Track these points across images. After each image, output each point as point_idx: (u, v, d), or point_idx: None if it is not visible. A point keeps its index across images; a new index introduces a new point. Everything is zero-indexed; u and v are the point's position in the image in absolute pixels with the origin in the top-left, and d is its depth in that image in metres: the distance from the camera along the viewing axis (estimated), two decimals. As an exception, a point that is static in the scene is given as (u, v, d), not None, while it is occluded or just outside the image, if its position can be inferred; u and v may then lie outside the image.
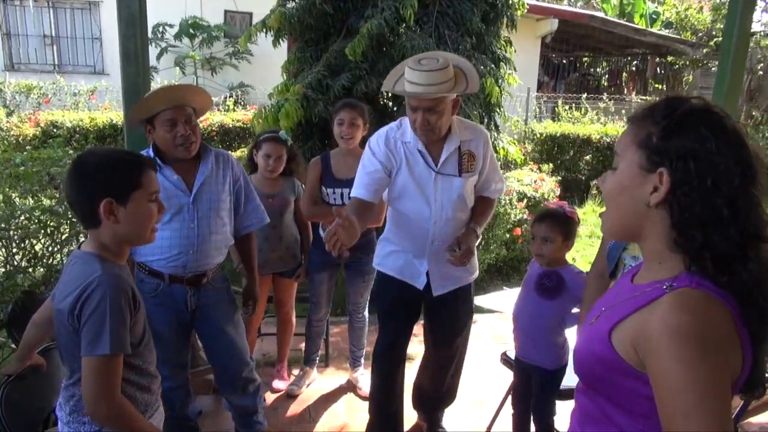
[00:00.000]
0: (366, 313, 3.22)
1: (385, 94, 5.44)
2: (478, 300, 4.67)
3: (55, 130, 7.18)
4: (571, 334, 2.40)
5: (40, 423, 1.85)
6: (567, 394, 2.50)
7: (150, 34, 9.34)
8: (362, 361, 3.29)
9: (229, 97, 8.92)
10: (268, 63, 9.50)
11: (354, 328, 3.24)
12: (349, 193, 2.75)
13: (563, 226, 2.31)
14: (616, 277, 2.02)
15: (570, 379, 2.46)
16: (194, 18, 10.02)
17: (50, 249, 2.63)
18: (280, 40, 5.70)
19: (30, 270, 2.57)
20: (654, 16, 15.93)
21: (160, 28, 9.76)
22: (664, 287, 0.94)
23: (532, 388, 2.47)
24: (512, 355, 2.67)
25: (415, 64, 2.14)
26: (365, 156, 2.38)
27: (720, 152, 0.91)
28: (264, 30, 5.58)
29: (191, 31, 9.98)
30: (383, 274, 2.56)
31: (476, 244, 2.37)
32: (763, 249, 0.93)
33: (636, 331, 0.94)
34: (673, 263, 0.96)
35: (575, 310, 2.41)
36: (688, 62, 13.82)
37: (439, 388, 2.76)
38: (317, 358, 3.32)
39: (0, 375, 1.76)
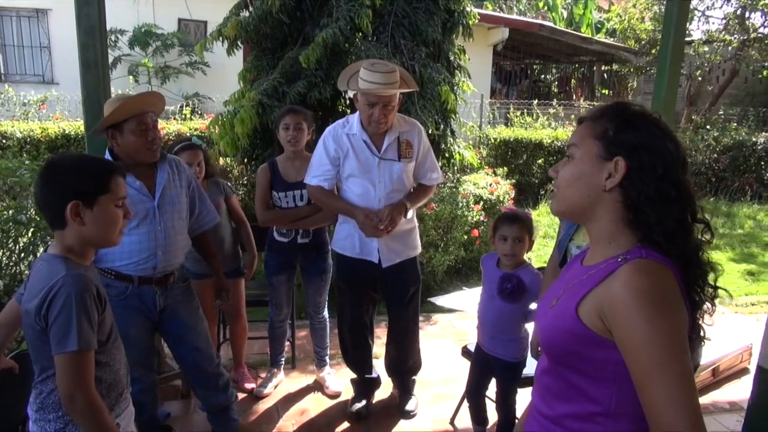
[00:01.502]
0: (326, 313, 3.30)
1: (344, 101, 5.55)
2: (439, 300, 4.82)
3: (4, 141, 6.98)
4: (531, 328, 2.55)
5: (17, 426, 1.87)
6: (528, 382, 2.65)
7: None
8: (327, 360, 3.36)
9: (186, 106, 8.84)
10: (224, 72, 9.46)
11: (315, 329, 3.31)
12: (301, 195, 3.01)
13: (530, 226, 2.49)
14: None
15: (531, 368, 2.61)
16: (147, 25, 9.90)
17: (12, 259, 2.62)
18: (234, 49, 5.74)
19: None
20: (599, 26, 16.58)
21: (113, 36, 9.61)
22: (619, 260, 1.07)
23: (492, 377, 2.61)
24: (472, 348, 2.80)
25: (370, 66, 2.56)
26: (318, 150, 2.78)
27: (666, 145, 1.08)
28: (220, 39, 5.61)
29: (145, 38, 9.85)
30: (341, 255, 2.87)
31: (402, 215, 2.74)
32: (696, 226, 1.11)
33: (600, 301, 1.07)
34: (624, 240, 1.11)
35: (533, 305, 2.56)
36: (632, 69, 14.41)
37: (404, 358, 3.04)
38: (283, 360, 3.38)
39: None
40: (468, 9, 5.65)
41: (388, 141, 2.70)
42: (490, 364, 2.58)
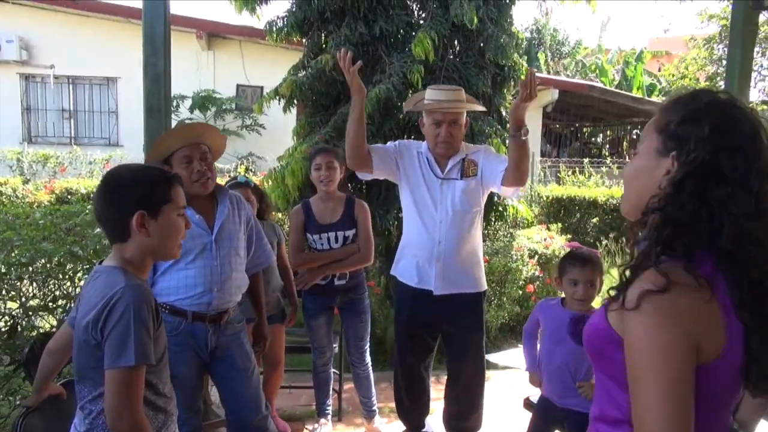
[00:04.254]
0: (369, 359, 3.17)
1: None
2: (494, 357, 4.61)
3: (69, 197, 7.32)
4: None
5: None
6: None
7: (165, 107, 9.69)
8: (376, 410, 3.20)
9: (240, 165, 9.13)
10: (276, 133, 9.82)
11: (359, 378, 3.16)
12: (336, 237, 2.96)
13: (601, 268, 2.34)
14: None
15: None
16: (207, 91, 10.41)
17: (68, 292, 2.64)
18: (291, 107, 5.92)
19: (46, 315, 2.57)
20: (650, 88, 16.47)
21: (175, 102, 10.12)
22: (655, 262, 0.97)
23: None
24: (535, 399, 2.61)
25: (436, 87, 2.60)
26: (395, 144, 2.79)
27: (741, 144, 0.95)
28: (276, 98, 5.80)
29: (205, 104, 10.34)
30: (399, 284, 2.80)
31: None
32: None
33: (625, 300, 0.98)
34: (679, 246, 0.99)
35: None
36: (687, 129, 14.11)
37: (465, 415, 2.81)
38: (330, 410, 3.23)
39: (19, 407, 1.72)
40: (519, 63, 5.66)
41: (453, 162, 2.67)
42: (559, 418, 2.36)
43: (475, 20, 5.02)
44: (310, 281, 2.99)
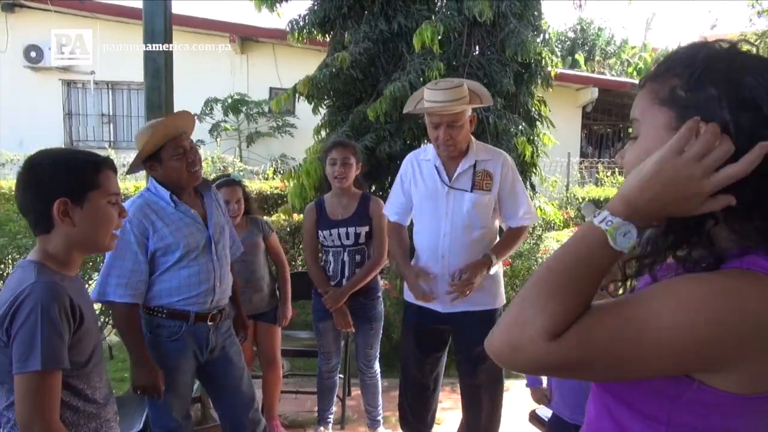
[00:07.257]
0: (377, 367, 3.02)
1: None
2: (514, 365, 4.37)
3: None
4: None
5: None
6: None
7: (200, 110, 9.80)
8: (381, 420, 3.05)
9: (270, 167, 9.15)
10: (309, 135, 9.78)
11: (367, 385, 3.02)
12: (347, 233, 2.83)
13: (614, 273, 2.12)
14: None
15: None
16: (240, 94, 10.47)
17: None
18: (320, 107, 5.82)
19: None
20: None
21: (209, 105, 10.23)
22: (703, 265, 0.78)
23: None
24: (543, 413, 2.43)
25: (433, 85, 2.38)
26: (396, 180, 2.66)
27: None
28: (296, 96, 5.73)
29: (238, 106, 10.41)
30: (406, 302, 2.63)
31: (485, 273, 2.42)
32: None
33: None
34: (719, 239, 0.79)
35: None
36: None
37: (477, 426, 2.62)
38: (331, 417, 3.10)
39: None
40: (546, 58, 5.39)
41: (461, 168, 2.43)
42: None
43: (488, 12, 4.79)
44: (339, 301, 2.84)
